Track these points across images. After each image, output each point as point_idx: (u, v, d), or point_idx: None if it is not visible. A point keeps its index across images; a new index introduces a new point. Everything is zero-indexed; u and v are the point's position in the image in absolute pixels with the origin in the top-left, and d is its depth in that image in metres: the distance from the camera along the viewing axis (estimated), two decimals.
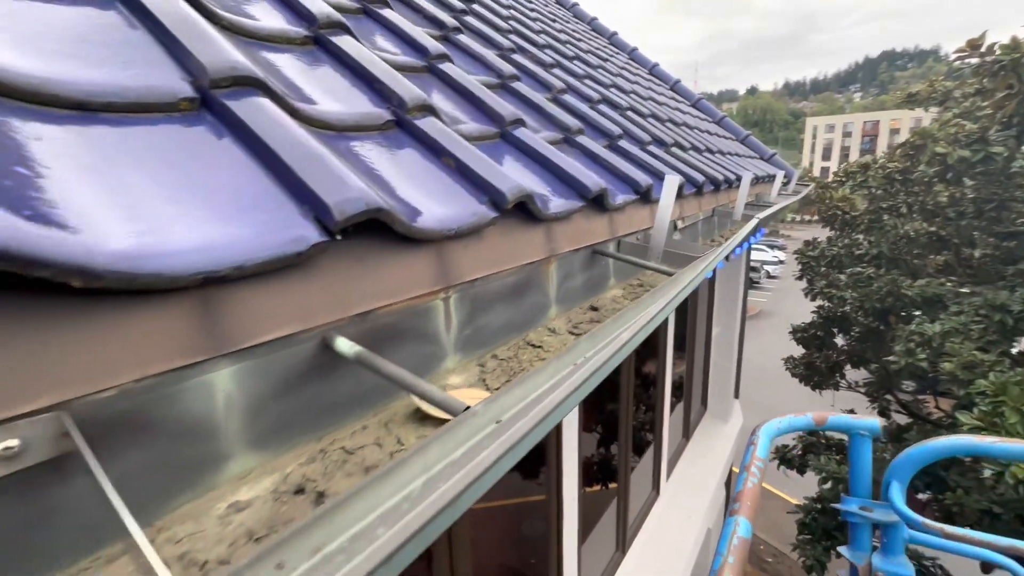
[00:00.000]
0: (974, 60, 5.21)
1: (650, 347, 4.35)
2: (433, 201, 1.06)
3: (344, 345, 0.78)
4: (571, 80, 2.93)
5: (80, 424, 0.55)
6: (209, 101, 0.90)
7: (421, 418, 0.94)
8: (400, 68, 1.61)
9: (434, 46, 1.81)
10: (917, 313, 6.82)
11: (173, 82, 0.89)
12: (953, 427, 6.02)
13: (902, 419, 8.65)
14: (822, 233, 9.77)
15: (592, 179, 1.58)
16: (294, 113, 1.03)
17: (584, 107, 2.52)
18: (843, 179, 7.80)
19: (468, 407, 0.65)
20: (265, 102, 0.94)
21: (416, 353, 1.02)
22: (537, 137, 1.72)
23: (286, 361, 0.77)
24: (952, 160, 5.36)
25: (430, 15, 2.32)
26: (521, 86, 2.17)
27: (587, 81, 3.28)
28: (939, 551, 1.23)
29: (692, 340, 5.41)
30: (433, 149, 1.25)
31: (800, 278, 9.39)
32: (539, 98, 2.16)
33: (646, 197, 1.95)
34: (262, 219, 0.74)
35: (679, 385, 5.37)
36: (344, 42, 1.43)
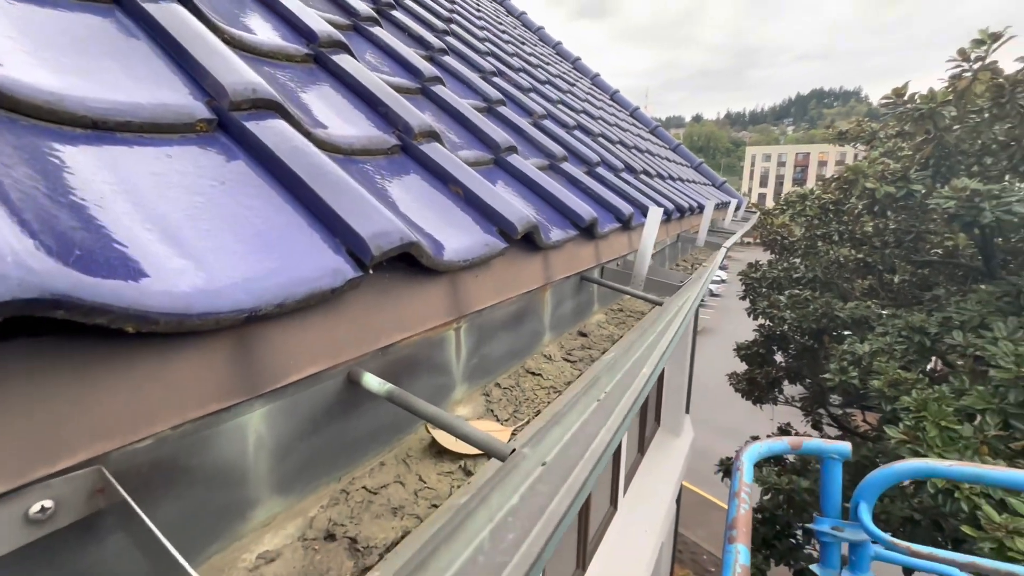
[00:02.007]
0: (898, 107, 5.79)
1: None
2: (449, 231, 1.06)
3: (374, 382, 0.77)
4: (547, 105, 3.00)
5: (116, 477, 0.51)
6: (226, 122, 0.87)
7: (438, 452, 0.92)
8: (396, 89, 1.60)
9: (427, 68, 1.81)
10: (847, 333, 7.40)
11: (187, 100, 0.85)
12: (880, 439, 6.53)
13: (833, 432, 9.30)
14: (761, 255, 10.43)
15: (584, 208, 1.62)
16: (308, 136, 1.00)
17: (563, 133, 2.59)
18: (784, 207, 8.38)
19: (514, 449, 0.66)
20: (284, 125, 0.91)
21: (429, 385, 1.00)
22: (528, 164, 1.75)
23: (312, 399, 0.75)
24: (880, 195, 5.90)
25: (416, 34, 2.32)
26: (506, 111, 2.21)
27: (560, 106, 3.37)
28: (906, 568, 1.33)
29: None
30: (439, 176, 1.25)
31: (743, 298, 9.95)
32: (523, 123, 2.21)
33: (627, 224, 2.03)
34: (296, 251, 0.72)
35: None
36: (344, 61, 1.40)
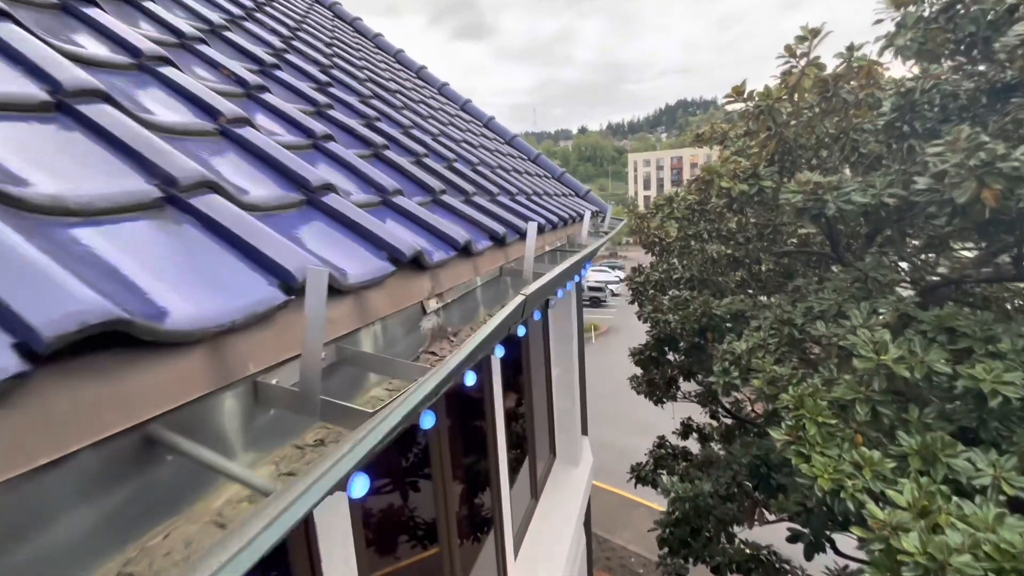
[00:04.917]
0: (740, 105, 5.77)
1: (477, 418, 3.71)
2: None
3: None
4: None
5: None
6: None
7: None
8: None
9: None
10: (729, 326, 7.36)
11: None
12: (767, 435, 6.46)
13: (729, 421, 9.40)
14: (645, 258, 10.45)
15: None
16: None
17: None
18: (655, 211, 8.32)
19: None
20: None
21: None
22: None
23: None
24: (736, 193, 5.85)
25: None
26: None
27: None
28: None
29: (530, 390, 4.95)
30: None
31: (632, 302, 9.84)
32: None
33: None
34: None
35: (519, 442, 4.84)
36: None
